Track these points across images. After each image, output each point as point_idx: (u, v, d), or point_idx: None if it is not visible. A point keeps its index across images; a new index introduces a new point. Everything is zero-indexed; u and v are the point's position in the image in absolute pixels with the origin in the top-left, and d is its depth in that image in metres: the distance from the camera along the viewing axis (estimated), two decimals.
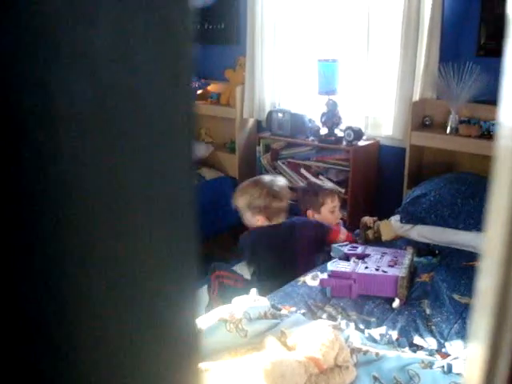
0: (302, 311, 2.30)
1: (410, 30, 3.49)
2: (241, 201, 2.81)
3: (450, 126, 3.46)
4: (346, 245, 2.84)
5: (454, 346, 2.10)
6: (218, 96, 4.57)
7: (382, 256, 2.65)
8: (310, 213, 3.22)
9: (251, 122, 4.52)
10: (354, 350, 1.95)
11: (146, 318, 0.42)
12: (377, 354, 1.95)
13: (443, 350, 2.08)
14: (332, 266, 2.54)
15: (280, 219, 2.92)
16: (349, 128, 3.81)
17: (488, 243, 0.40)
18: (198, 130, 4.80)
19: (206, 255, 2.89)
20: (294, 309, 2.32)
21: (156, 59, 0.38)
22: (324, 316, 2.29)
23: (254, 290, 2.32)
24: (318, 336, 1.85)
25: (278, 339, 1.94)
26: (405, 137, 3.64)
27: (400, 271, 2.45)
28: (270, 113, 4.17)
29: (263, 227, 2.86)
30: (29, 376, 0.36)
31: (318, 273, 2.58)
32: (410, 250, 2.74)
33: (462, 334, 2.17)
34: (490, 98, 3.30)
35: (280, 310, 2.28)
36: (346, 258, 2.67)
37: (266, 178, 3.01)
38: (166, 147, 0.41)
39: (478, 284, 0.40)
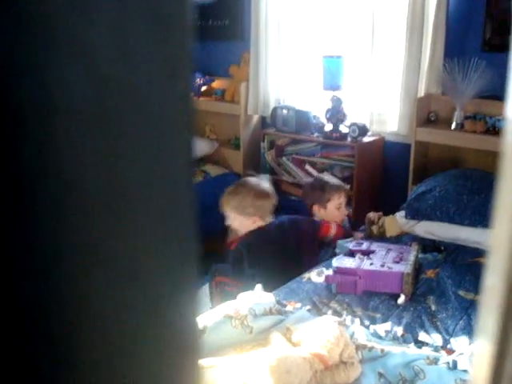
0: (307, 307, 2.30)
1: (414, 26, 3.48)
2: (231, 206, 2.79)
3: (456, 122, 3.45)
4: (351, 241, 2.84)
5: (459, 342, 2.10)
6: (223, 92, 4.57)
7: (388, 252, 2.64)
8: (315, 208, 3.22)
9: (256, 118, 4.51)
10: (359, 347, 1.95)
11: (146, 317, 0.42)
12: (382, 351, 1.95)
13: (448, 346, 2.08)
14: (337, 262, 2.54)
15: (270, 218, 2.91)
16: (354, 124, 3.80)
17: (495, 239, 0.40)
18: (203, 126, 4.80)
19: (210, 252, 2.88)
20: (299, 305, 2.32)
21: (155, 57, 0.38)
22: (329, 312, 2.29)
23: (259, 286, 2.32)
24: (323, 332, 1.85)
25: (283, 335, 1.94)
26: (410, 133, 3.63)
27: (405, 267, 2.45)
28: (275, 109, 4.16)
29: (258, 228, 2.83)
30: (28, 374, 0.37)
31: (324, 269, 2.58)
32: (415, 247, 2.74)
33: (468, 330, 2.17)
34: (495, 93, 3.29)
35: (285, 306, 2.28)
36: (351, 254, 2.67)
37: (251, 179, 3.00)
38: (165, 144, 0.41)
39: (485, 280, 0.40)
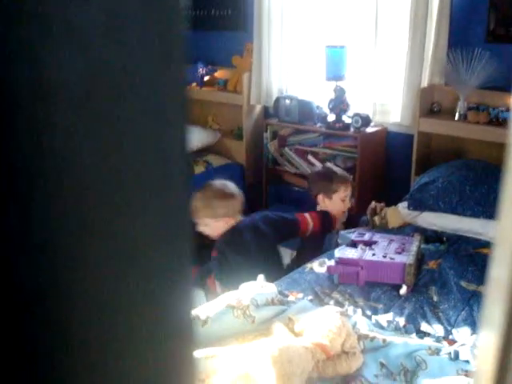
0: (310, 297, 2.30)
1: (418, 16, 3.47)
2: (201, 211, 2.78)
3: (459, 113, 3.44)
4: (354, 231, 2.84)
5: (460, 333, 2.10)
6: (225, 82, 4.55)
7: (390, 243, 2.64)
8: (320, 197, 3.22)
9: (258, 108, 4.50)
10: (361, 337, 1.95)
11: (141, 291, 0.42)
12: (384, 341, 1.95)
13: (450, 336, 2.09)
14: (339, 252, 2.54)
15: (241, 216, 2.91)
16: (356, 114, 3.79)
17: (500, 231, 0.40)
18: (205, 116, 4.80)
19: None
20: (301, 295, 2.33)
21: (149, 43, 0.39)
22: (331, 302, 2.30)
23: (261, 277, 2.32)
24: (325, 322, 1.85)
25: (285, 325, 1.95)
26: (413, 123, 3.62)
27: (407, 258, 2.45)
28: (278, 99, 4.15)
29: (232, 227, 2.82)
30: (25, 347, 0.37)
31: (326, 259, 2.59)
32: (417, 237, 2.74)
33: (469, 321, 2.17)
34: (499, 84, 3.28)
35: (287, 296, 2.29)
36: (354, 244, 2.67)
37: (215, 182, 2.99)
38: (160, 129, 0.41)
39: (490, 272, 0.40)
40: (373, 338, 1.96)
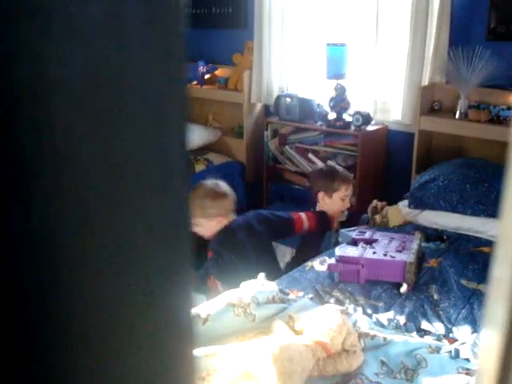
0: (310, 296, 2.31)
1: (419, 14, 3.46)
2: (196, 216, 2.77)
3: (459, 111, 3.44)
4: (354, 230, 2.84)
5: (461, 331, 2.10)
6: (226, 80, 4.55)
7: (390, 241, 2.64)
8: (320, 195, 3.21)
9: (259, 106, 4.50)
10: (361, 335, 1.95)
11: (141, 289, 0.42)
12: (384, 339, 1.95)
13: (451, 335, 2.09)
14: (340, 250, 2.54)
15: (233, 216, 2.91)
16: (357, 113, 3.79)
17: (503, 230, 0.40)
18: (206, 114, 4.80)
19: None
20: (301, 293, 2.33)
21: (147, 36, 0.39)
22: (332, 301, 2.30)
23: (262, 275, 2.32)
24: (326, 320, 1.85)
25: (285, 323, 1.95)
26: (413, 121, 3.62)
27: (408, 256, 2.45)
28: (278, 97, 4.15)
29: (225, 226, 2.82)
30: (25, 344, 0.37)
31: (326, 258, 2.59)
32: (418, 235, 2.74)
33: (470, 320, 2.18)
34: (499, 82, 3.28)
35: (288, 294, 2.29)
36: (354, 243, 2.67)
37: (206, 182, 2.97)
38: (158, 121, 0.41)
39: (493, 271, 0.40)
40: (373, 337, 1.96)
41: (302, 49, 4.25)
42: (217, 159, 4.50)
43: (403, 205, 3.27)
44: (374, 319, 2.15)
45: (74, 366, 0.40)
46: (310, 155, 4.09)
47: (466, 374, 1.81)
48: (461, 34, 3.50)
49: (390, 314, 2.20)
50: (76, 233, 0.37)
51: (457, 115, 3.45)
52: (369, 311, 2.23)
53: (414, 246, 2.58)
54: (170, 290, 0.45)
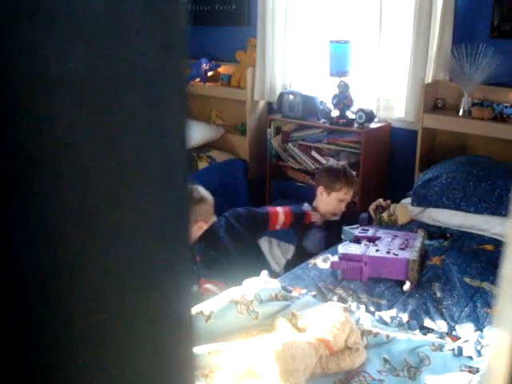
0: (313, 293, 2.31)
1: (423, 11, 3.45)
2: None
3: (463, 109, 3.43)
4: (357, 227, 2.84)
5: (464, 329, 2.10)
6: (229, 78, 4.55)
7: (393, 239, 2.64)
8: (320, 189, 3.24)
9: (262, 103, 4.50)
10: (364, 332, 1.95)
11: (141, 283, 0.42)
12: (387, 337, 1.95)
13: (453, 332, 2.09)
14: (343, 248, 2.54)
15: (214, 218, 2.92)
16: (360, 110, 3.78)
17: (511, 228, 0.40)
18: (209, 112, 4.79)
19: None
20: (304, 291, 2.33)
21: (148, 32, 0.39)
22: (334, 298, 2.30)
23: (264, 272, 2.32)
24: (329, 318, 1.85)
25: (288, 321, 1.95)
26: (417, 119, 3.61)
27: (411, 254, 2.45)
28: (281, 95, 4.15)
29: (206, 231, 2.83)
30: (23, 337, 0.37)
31: (329, 255, 2.59)
32: (421, 233, 2.74)
33: (473, 317, 2.17)
34: (503, 80, 3.27)
35: (291, 292, 2.29)
36: (357, 240, 2.67)
37: None
38: (159, 116, 0.41)
39: (502, 270, 0.39)
40: (376, 334, 1.96)
41: (305, 46, 4.24)
42: (220, 156, 4.50)
43: (406, 202, 3.27)
44: (377, 317, 2.15)
45: (74, 363, 0.40)
46: (313, 153, 4.08)
47: (469, 371, 1.81)
48: (464, 32, 3.49)
49: (393, 312, 2.20)
50: (76, 230, 0.38)
51: (460, 113, 3.44)
52: (372, 309, 2.23)
53: (417, 243, 2.58)
54: (169, 287, 0.45)
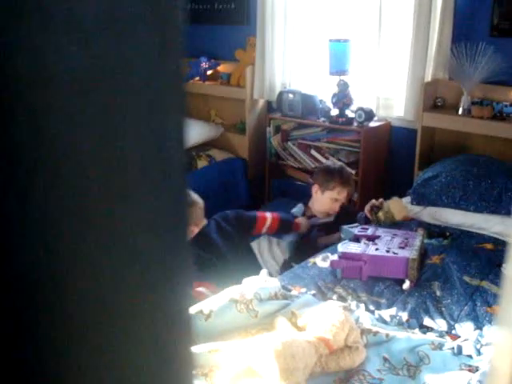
0: (312, 292, 2.30)
1: (422, 10, 3.45)
2: None
3: (462, 107, 3.43)
4: (357, 226, 2.84)
5: (464, 328, 2.10)
6: (229, 76, 4.54)
7: (393, 237, 2.64)
8: (315, 188, 3.27)
9: (261, 102, 4.50)
10: (364, 331, 1.95)
11: (140, 282, 0.42)
12: (387, 335, 1.95)
13: (453, 331, 2.09)
14: (342, 247, 2.54)
15: (204, 221, 2.93)
16: (360, 109, 3.78)
17: None
18: (208, 110, 4.79)
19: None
20: (304, 290, 2.33)
21: (144, 30, 0.39)
22: (334, 297, 2.30)
23: (264, 271, 2.32)
24: (329, 317, 1.85)
25: (288, 320, 1.95)
26: (416, 118, 3.61)
27: (410, 253, 2.45)
28: (281, 93, 4.14)
29: (199, 233, 2.82)
30: (22, 336, 0.37)
31: (329, 254, 2.58)
32: (420, 232, 2.74)
33: (472, 316, 2.17)
34: (502, 78, 3.27)
35: (290, 290, 2.29)
36: (357, 239, 2.67)
37: None
38: (156, 114, 0.41)
39: (506, 270, 0.39)
40: (376, 333, 1.96)
41: (304, 45, 4.24)
42: (219, 155, 4.49)
43: (406, 201, 3.26)
44: (377, 315, 2.15)
45: (72, 363, 0.40)
46: (313, 151, 4.08)
47: (469, 370, 1.81)
48: (464, 30, 3.49)
49: (393, 311, 2.20)
50: (74, 230, 0.37)
51: (460, 111, 3.44)
52: (371, 307, 2.23)
53: (417, 242, 2.58)
54: (168, 286, 0.45)
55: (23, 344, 0.37)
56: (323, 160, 3.94)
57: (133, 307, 0.42)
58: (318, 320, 1.86)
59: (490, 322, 2.12)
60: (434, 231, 2.97)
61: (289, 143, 4.20)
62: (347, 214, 3.30)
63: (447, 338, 2.02)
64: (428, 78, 3.59)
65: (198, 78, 4.57)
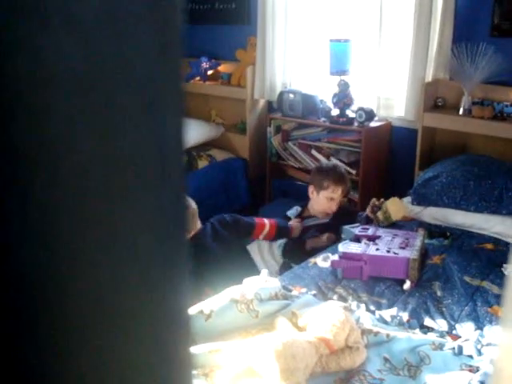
0: (313, 292, 2.30)
1: (423, 10, 3.45)
2: None
3: (463, 108, 3.43)
4: (357, 226, 2.84)
5: (464, 328, 2.10)
6: (229, 76, 4.54)
7: (393, 238, 2.64)
8: (310, 189, 3.28)
9: (262, 102, 4.50)
10: (364, 331, 1.95)
11: (138, 281, 0.42)
12: (387, 336, 1.95)
13: (454, 331, 2.09)
14: (343, 247, 2.54)
15: (199, 223, 2.93)
16: (360, 109, 3.78)
17: None
18: (209, 110, 4.79)
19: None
20: (304, 290, 2.32)
21: (143, 29, 0.39)
22: (335, 297, 2.29)
23: (264, 271, 2.32)
24: (329, 317, 1.85)
25: (288, 320, 1.95)
26: (417, 118, 3.61)
27: (411, 253, 2.45)
28: (281, 93, 4.14)
29: (193, 237, 2.82)
30: (22, 336, 0.37)
31: (329, 254, 2.58)
32: (421, 232, 2.73)
33: (473, 316, 2.17)
34: (503, 79, 3.27)
35: (291, 290, 2.29)
36: (357, 239, 2.67)
37: None
38: (155, 114, 0.41)
39: (509, 271, 0.39)
40: (376, 333, 1.96)
41: (305, 45, 4.24)
42: (220, 155, 4.50)
43: (406, 201, 3.26)
44: (377, 316, 2.14)
45: (71, 362, 0.40)
46: (313, 151, 4.08)
47: (469, 370, 1.81)
48: (464, 30, 3.49)
49: (393, 311, 2.20)
50: (74, 230, 0.37)
51: (460, 111, 3.44)
52: (372, 308, 2.23)
53: (418, 242, 2.58)
54: (167, 286, 0.45)
55: (23, 344, 0.37)
56: (324, 160, 3.94)
57: (133, 307, 0.42)
58: (318, 320, 1.86)
59: (490, 322, 2.12)
60: (435, 231, 2.97)
61: (289, 143, 4.20)
62: (347, 213, 3.30)
63: (448, 338, 2.02)
64: (429, 78, 3.58)
65: (198, 78, 4.57)
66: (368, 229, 2.76)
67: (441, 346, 1.92)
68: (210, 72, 4.59)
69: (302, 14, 4.15)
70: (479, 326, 2.10)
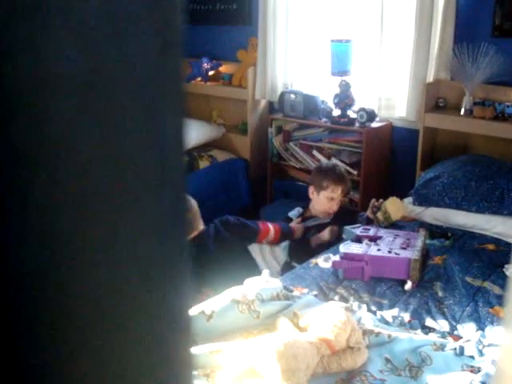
0: (314, 293, 2.30)
1: (424, 10, 3.45)
2: None
3: (464, 108, 3.43)
4: (359, 227, 2.84)
5: (466, 329, 2.10)
6: (230, 77, 4.54)
7: (395, 238, 2.64)
8: (310, 189, 3.28)
9: (263, 103, 4.49)
10: (366, 332, 1.95)
11: (139, 281, 0.42)
12: (389, 336, 1.95)
13: (455, 332, 2.09)
14: (344, 248, 2.54)
15: (201, 224, 2.92)
16: (362, 109, 3.78)
17: None
18: (210, 111, 4.79)
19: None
20: (306, 290, 2.32)
21: (144, 31, 0.39)
22: (336, 298, 2.29)
23: (266, 272, 2.32)
24: (330, 317, 1.85)
25: (290, 320, 1.95)
26: (418, 118, 3.61)
27: (412, 253, 2.45)
28: (283, 94, 4.14)
29: (195, 239, 2.82)
30: (21, 331, 0.37)
31: (331, 255, 2.59)
32: (422, 233, 2.73)
33: (474, 317, 2.17)
34: (504, 79, 3.27)
35: (292, 291, 2.29)
36: (359, 240, 2.66)
37: None
38: (155, 115, 0.41)
39: (511, 272, 0.39)
40: (378, 334, 1.96)
41: (306, 45, 4.24)
42: (221, 156, 4.49)
43: (408, 201, 3.26)
44: (379, 316, 2.14)
45: (71, 362, 0.40)
46: (315, 152, 4.08)
47: (471, 371, 1.81)
48: (466, 31, 3.49)
49: (395, 311, 2.20)
50: (74, 230, 0.37)
51: (462, 112, 3.44)
52: (373, 308, 2.23)
53: (419, 243, 2.58)
54: (168, 286, 0.45)
55: (23, 344, 0.37)
56: (325, 160, 3.94)
57: (133, 307, 0.42)
58: (319, 321, 1.86)
59: (492, 322, 2.12)
60: (436, 232, 2.97)
61: (290, 144, 4.20)
62: (348, 213, 3.30)
63: (449, 338, 2.02)
64: (430, 78, 3.58)
65: (199, 79, 4.57)
66: (369, 229, 2.76)
67: (442, 347, 1.92)
68: (211, 72, 4.59)
69: (303, 14, 4.15)
70: (481, 327, 2.10)
